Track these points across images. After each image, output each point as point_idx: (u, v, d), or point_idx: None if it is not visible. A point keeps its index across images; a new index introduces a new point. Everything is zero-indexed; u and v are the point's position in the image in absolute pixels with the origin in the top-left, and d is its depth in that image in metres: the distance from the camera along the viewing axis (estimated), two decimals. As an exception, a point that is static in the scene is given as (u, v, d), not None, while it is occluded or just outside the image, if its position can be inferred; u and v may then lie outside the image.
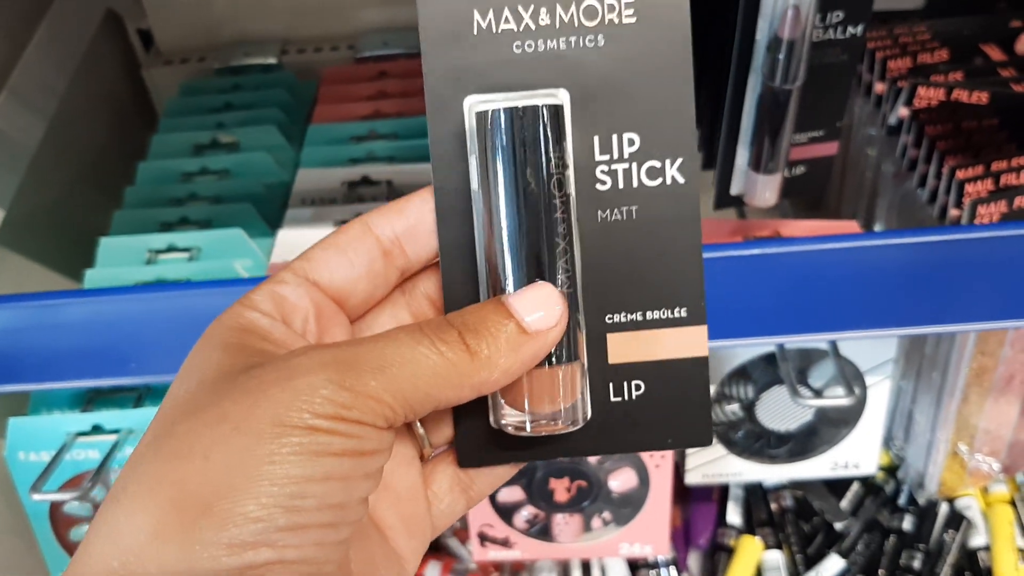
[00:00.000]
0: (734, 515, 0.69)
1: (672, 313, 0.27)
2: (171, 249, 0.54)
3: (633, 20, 0.26)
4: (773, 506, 0.69)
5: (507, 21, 0.26)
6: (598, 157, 0.27)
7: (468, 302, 0.26)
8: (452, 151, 0.27)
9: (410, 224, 0.27)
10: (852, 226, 0.52)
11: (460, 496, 0.29)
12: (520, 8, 0.26)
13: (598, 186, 0.27)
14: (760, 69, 0.44)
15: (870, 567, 0.65)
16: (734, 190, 0.48)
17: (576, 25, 0.26)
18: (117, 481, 0.23)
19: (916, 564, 0.64)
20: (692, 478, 0.65)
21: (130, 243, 0.54)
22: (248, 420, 0.22)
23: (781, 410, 0.62)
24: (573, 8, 0.26)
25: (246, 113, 0.65)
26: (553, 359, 0.26)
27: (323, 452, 0.22)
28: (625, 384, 0.28)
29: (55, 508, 0.57)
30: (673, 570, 0.67)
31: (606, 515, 0.64)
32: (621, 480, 0.62)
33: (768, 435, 0.63)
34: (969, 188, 0.49)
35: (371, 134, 0.63)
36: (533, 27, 0.26)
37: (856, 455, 0.64)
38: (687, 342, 0.27)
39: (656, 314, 0.27)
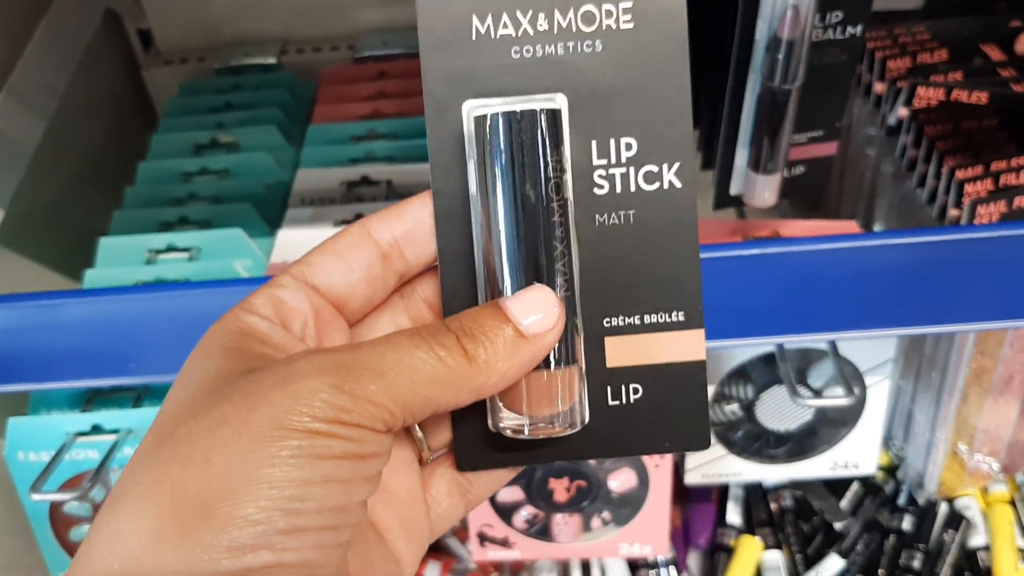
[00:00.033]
0: (734, 515, 0.69)
1: (670, 317, 0.27)
2: (171, 249, 0.54)
3: (631, 26, 0.26)
4: (773, 506, 0.69)
5: (506, 26, 0.26)
6: (596, 161, 0.27)
7: (467, 306, 0.26)
8: (451, 155, 0.27)
9: (409, 228, 0.27)
10: (851, 226, 0.52)
11: (459, 499, 0.29)
12: (519, 14, 0.26)
13: (596, 190, 0.27)
14: (759, 69, 0.44)
15: (870, 567, 0.65)
16: (733, 190, 0.48)
17: (574, 31, 0.26)
18: (117, 484, 0.23)
19: (916, 564, 0.64)
20: (692, 478, 0.65)
21: (130, 243, 0.54)
22: (248, 424, 0.22)
23: (781, 410, 0.62)
24: (571, 14, 0.26)
25: (246, 113, 0.65)
26: (551, 362, 0.26)
27: (322, 455, 0.22)
28: (623, 388, 0.28)
29: (55, 508, 0.57)
30: (673, 570, 0.67)
31: (606, 515, 0.64)
32: (621, 480, 0.62)
33: (767, 435, 0.63)
34: (969, 188, 0.49)
35: (370, 134, 0.63)
36: (531, 32, 0.26)
37: (856, 455, 0.64)
38: (685, 346, 0.28)
39: (654, 318, 0.27)
